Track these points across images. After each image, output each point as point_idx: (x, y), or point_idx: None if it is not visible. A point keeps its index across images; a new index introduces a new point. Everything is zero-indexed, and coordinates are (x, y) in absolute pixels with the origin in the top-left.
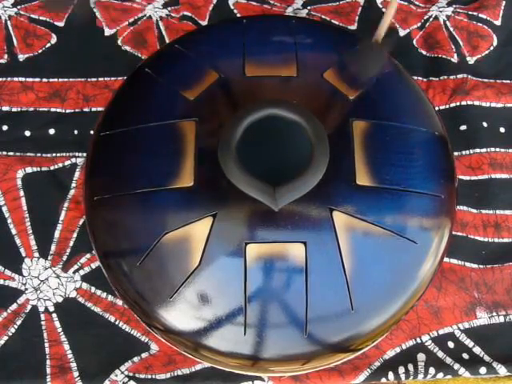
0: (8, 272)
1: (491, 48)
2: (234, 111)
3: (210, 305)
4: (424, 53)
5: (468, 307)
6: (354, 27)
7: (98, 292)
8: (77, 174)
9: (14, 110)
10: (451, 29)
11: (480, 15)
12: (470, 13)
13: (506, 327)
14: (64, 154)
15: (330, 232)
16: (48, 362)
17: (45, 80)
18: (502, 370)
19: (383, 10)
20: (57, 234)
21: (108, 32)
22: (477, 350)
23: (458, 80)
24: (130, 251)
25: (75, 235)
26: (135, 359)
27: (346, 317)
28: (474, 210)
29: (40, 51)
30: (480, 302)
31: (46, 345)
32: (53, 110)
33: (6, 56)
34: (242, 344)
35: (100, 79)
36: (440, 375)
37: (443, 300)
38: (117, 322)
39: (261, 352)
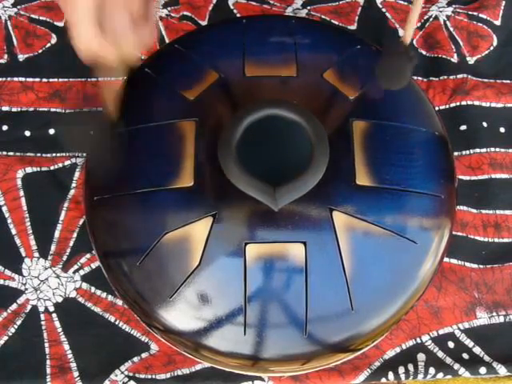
0: (8, 272)
1: (491, 48)
2: (234, 111)
3: (210, 305)
4: (424, 53)
5: (468, 307)
6: (353, 27)
7: (98, 292)
8: (77, 174)
9: (14, 109)
10: (451, 29)
11: (480, 15)
12: (470, 13)
13: (506, 327)
14: (64, 154)
15: (330, 232)
16: (48, 361)
17: (45, 80)
18: (502, 370)
19: (383, 10)
20: (57, 234)
21: None
22: (477, 349)
23: (458, 80)
24: (130, 251)
25: (75, 235)
26: (135, 359)
27: (346, 317)
28: (474, 210)
29: (40, 51)
30: (480, 302)
31: (46, 345)
32: (53, 110)
33: (5, 56)
34: (242, 344)
35: (100, 79)
36: (440, 375)
37: (443, 300)
38: (117, 322)
39: (261, 352)
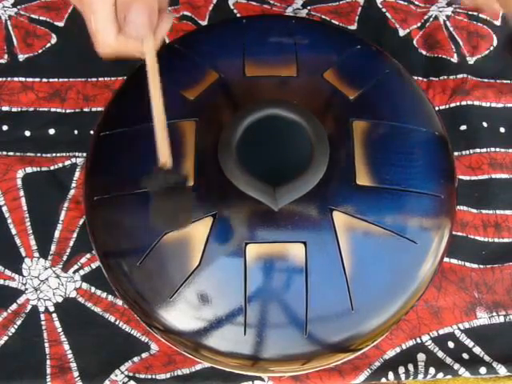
0: (8, 272)
1: (491, 48)
2: (234, 111)
3: (210, 305)
4: (424, 53)
5: (468, 307)
6: (353, 27)
7: (98, 292)
8: (77, 174)
9: (14, 109)
10: (451, 29)
11: (480, 15)
12: (470, 13)
13: (506, 327)
14: (64, 154)
15: (330, 232)
16: (48, 362)
17: (45, 80)
18: (502, 370)
19: (383, 9)
20: (57, 234)
21: None
22: (477, 350)
23: (458, 80)
24: (130, 251)
25: (75, 235)
26: (135, 359)
27: (346, 317)
28: (474, 210)
29: (40, 51)
30: (480, 302)
31: (46, 345)
32: (53, 110)
33: (6, 56)
34: (242, 344)
35: (100, 79)
36: (440, 375)
37: (443, 300)
38: (117, 322)
39: (261, 352)
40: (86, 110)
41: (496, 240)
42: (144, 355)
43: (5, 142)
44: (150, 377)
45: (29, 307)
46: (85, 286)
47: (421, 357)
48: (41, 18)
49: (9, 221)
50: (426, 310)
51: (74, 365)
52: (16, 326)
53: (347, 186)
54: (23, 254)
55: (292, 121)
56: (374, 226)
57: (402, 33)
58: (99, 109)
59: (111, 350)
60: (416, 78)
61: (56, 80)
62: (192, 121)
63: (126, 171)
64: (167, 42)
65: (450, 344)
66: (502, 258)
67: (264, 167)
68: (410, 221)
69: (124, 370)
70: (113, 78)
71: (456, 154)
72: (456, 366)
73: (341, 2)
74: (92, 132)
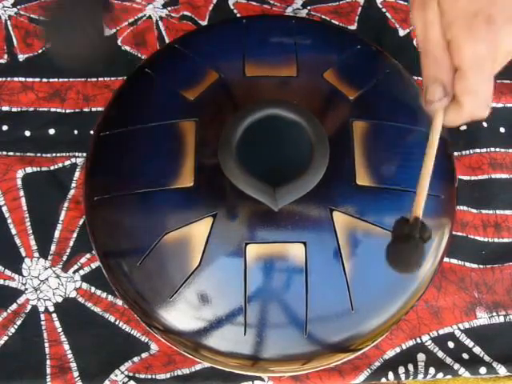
0: (8, 272)
1: None
2: (234, 111)
3: (210, 305)
4: None
5: (468, 307)
6: (353, 27)
7: (98, 292)
8: (77, 174)
9: (14, 110)
10: None
11: None
12: None
13: (506, 327)
14: (64, 154)
15: (330, 232)
16: (48, 362)
17: (45, 80)
18: (501, 370)
19: (383, 9)
20: (57, 234)
21: (108, 32)
22: (477, 350)
23: None
24: (130, 251)
25: (75, 235)
26: (135, 359)
27: (346, 317)
28: (474, 210)
29: (40, 51)
30: (480, 302)
31: (46, 345)
32: (53, 109)
33: (5, 56)
34: (242, 344)
35: (100, 79)
36: (440, 375)
37: (443, 300)
38: (117, 322)
39: (261, 352)
40: (85, 110)
41: (496, 240)
42: (144, 355)
43: (5, 142)
44: (149, 377)
45: (29, 307)
46: (85, 285)
47: (421, 357)
48: (41, 18)
49: (9, 221)
50: (425, 310)
51: (74, 365)
52: (16, 326)
53: (347, 186)
54: (23, 254)
55: (292, 121)
56: (374, 226)
57: (401, 33)
58: (99, 109)
59: (111, 350)
60: (416, 78)
61: (56, 80)
62: (192, 121)
63: (126, 171)
64: (167, 42)
65: (450, 344)
66: (502, 258)
67: (264, 167)
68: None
69: (124, 370)
70: (113, 78)
71: (456, 154)
72: (456, 366)
73: (341, 2)
74: (92, 132)
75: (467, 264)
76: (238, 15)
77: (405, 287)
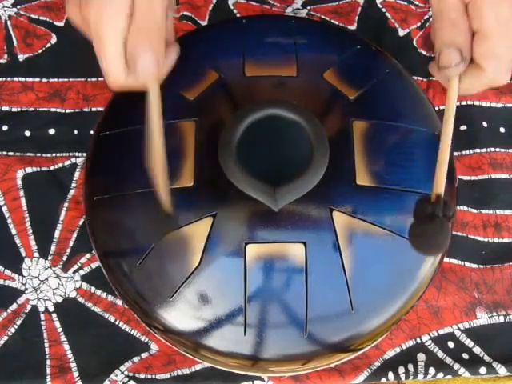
0: (8, 272)
1: None
2: (234, 111)
3: (210, 305)
4: (424, 53)
5: (468, 307)
6: (353, 27)
7: (98, 292)
8: (77, 174)
9: (14, 110)
10: None
11: None
12: None
13: (506, 327)
14: (64, 154)
15: (330, 232)
16: (48, 361)
17: (45, 80)
18: (501, 370)
19: (383, 9)
20: (57, 234)
21: None
22: (477, 349)
23: None
24: (130, 251)
25: (75, 235)
26: (135, 359)
27: (346, 317)
28: (474, 210)
29: (40, 51)
30: (480, 302)
31: (46, 345)
32: (53, 109)
33: (5, 56)
34: (242, 344)
35: (100, 79)
36: (440, 375)
37: (443, 300)
38: (117, 322)
39: (261, 352)
40: (85, 110)
41: (496, 240)
42: (144, 355)
43: (5, 142)
44: (149, 377)
45: (29, 307)
46: (85, 285)
47: (421, 357)
48: (41, 17)
49: (9, 221)
50: (426, 310)
51: (74, 365)
52: (16, 326)
53: (347, 186)
54: (23, 254)
55: (292, 121)
56: (374, 226)
57: (401, 33)
58: (99, 109)
59: (111, 350)
60: (416, 78)
61: (56, 80)
62: (192, 121)
63: (125, 171)
64: None
65: (450, 344)
66: (502, 258)
67: (264, 167)
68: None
69: (124, 370)
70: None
71: (456, 154)
72: (456, 366)
73: (340, 2)
74: (92, 132)
75: (467, 264)
76: (238, 15)
77: (405, 287)
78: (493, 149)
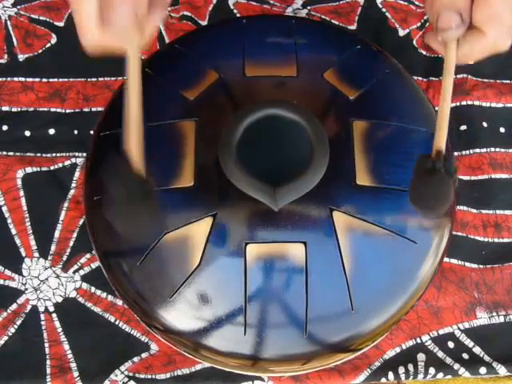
0: (8, 272)
1: None
2: (234, 111)
3: (210, 305)
4: (424, 53)
5: (468, 307)
6: (353, 27)
7: (98, 292)
8: (77, 174)
9: (14, 110)
10: None
11: None
12: None
13: (506, 327)
14: (64, 154)
15: (330, 232)
16: (48, 361)
17: (45, 80)
18: (501, 370)
19: (383, 9)
20: (57, 234)
21: None
22: (477, 349)
23: (458, 80)
24: (130, 251)
25: (75, 235)
26: (135, 359)
27: (346, 317)
28: (474, 210)
29: (40, 51)
30: (480, 302)
31: (46, 345)
32: (53, 109)
33: (5, 56)
34: (242, 344)
35: (100, 79)
36: (440, 375)
37: (443, 300)
38: (117, 322)
39: (261, 352)
40: (85, 110)
41: (496, 240)
42: (144, 355)
43: (5, 142)
44: (149, 377)
45: (29, 307)
46: (85, 286)
47: (421, 357)
48: (41, 17)
49: (9, 221)
50: (426, 310)
51: (73, 365)
52: (16, 326)
53: (347, 185)
54: (23, 254)
55: (292, 121)
56: (374, 225)
57: (401, 33)
58: (99, 109)
59: (111, 350)
60: (416, 78)
61: (56, 80)
62: (192, 121)
63: None
64: (167, 41)
65: (450, 344)
66: (502, 258)
67: (264, 167)
68: (409, 221)
69: (124, 370)
70: (113, 78)
71: (456, 153)
72: (456, 366)
73: (341, 2)
74: (92, 132)
75: (467, 264)
76: (238, 15)
77: (405, 287)
78: (493, 149)
